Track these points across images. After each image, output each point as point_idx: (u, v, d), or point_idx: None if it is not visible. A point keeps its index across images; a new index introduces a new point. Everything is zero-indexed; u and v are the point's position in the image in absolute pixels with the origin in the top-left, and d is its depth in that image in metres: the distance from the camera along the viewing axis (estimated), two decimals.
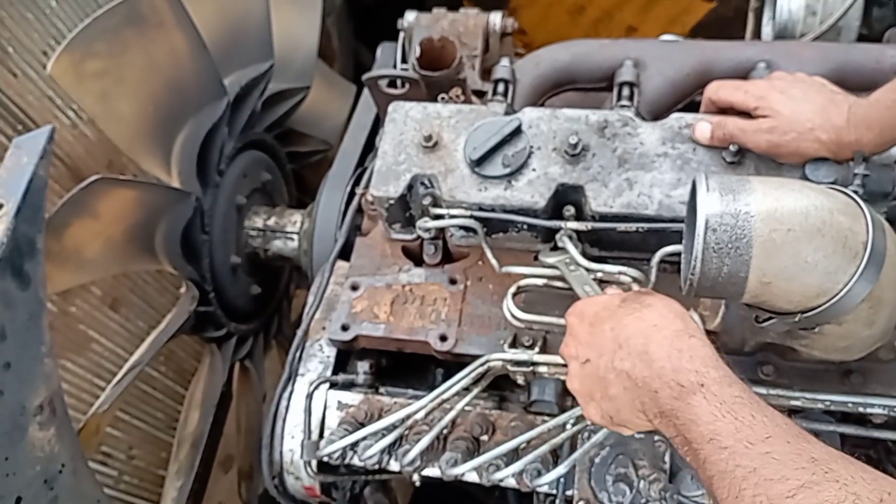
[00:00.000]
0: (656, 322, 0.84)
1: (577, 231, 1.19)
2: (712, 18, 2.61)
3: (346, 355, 1.38)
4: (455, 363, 1.23)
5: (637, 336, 0.83)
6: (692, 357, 0.78)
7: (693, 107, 1.36)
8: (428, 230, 1.26)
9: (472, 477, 1.18)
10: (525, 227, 1.22)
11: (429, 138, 1.24)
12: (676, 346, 0.80)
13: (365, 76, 1.47)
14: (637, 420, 0.84)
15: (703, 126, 1.19)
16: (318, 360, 1.37)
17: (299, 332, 1.37)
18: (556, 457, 1.16)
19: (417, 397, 1.19)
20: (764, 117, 1.11)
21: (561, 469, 1.10)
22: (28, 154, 1.05)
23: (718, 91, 1.20)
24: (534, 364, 1.13)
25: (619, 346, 0.85)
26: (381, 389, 1.35)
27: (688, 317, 0.85)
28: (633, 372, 0.82)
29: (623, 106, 1.31)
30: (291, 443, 1.32)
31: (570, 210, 1.21)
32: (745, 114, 1.15)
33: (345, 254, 1.43)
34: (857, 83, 1.14)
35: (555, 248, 1.21)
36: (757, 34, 1.75)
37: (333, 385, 1.33)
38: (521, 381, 1.17)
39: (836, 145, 1.06)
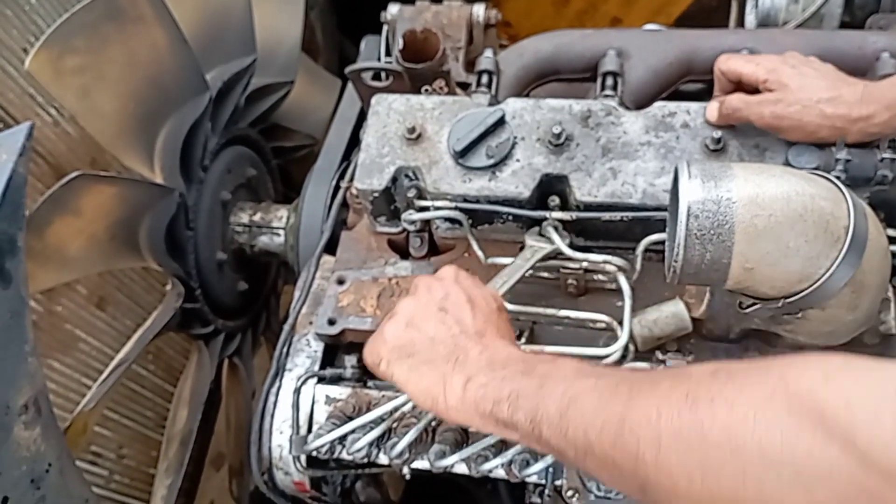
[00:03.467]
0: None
1: (561, 221, 1.19)
2: (696, 9, 2.61)
3: (333, 350, 1.38)
4: None
5: (500, 341, 0.89)
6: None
7: (677, 96, 1.37)
8: (413, 222, 1.26)
9: (461, 468, 1.18)
10: (510, 217, 1.21)
11: (412, 130, 1.24)
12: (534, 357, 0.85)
13: (348, 69, 1.46)
14: (430, 379, 0.86)
15: (712, 105, 1.19)
16: (305, 354, 1.37)
17: (286, 327, 1.37)
18: None
19: None
20: (771, 91, 1.11)
21: (549, 458, 1.10)
22: (7, 151, 1.03)
23: (728, 61, 1.18)
24: None
25: (478, 333, 0.89)
26: (370, 383, 1.34)
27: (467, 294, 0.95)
28: (483, 356, 0.85)
29: (607, 96, 1.31)
30: (280, 438, 1.32)
31: (554, 200, 1.21)
32: (752, 92, 1.14)
33: (331, 248, 1.43)
34: (840, 70, 1.14)
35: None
36: (740, 23, 1.75)
37: (321, 380, 1.32)
38: None
39: (843, 120, 1.05)
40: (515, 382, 0.78)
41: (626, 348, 1.07)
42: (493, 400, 0.78)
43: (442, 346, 0.88)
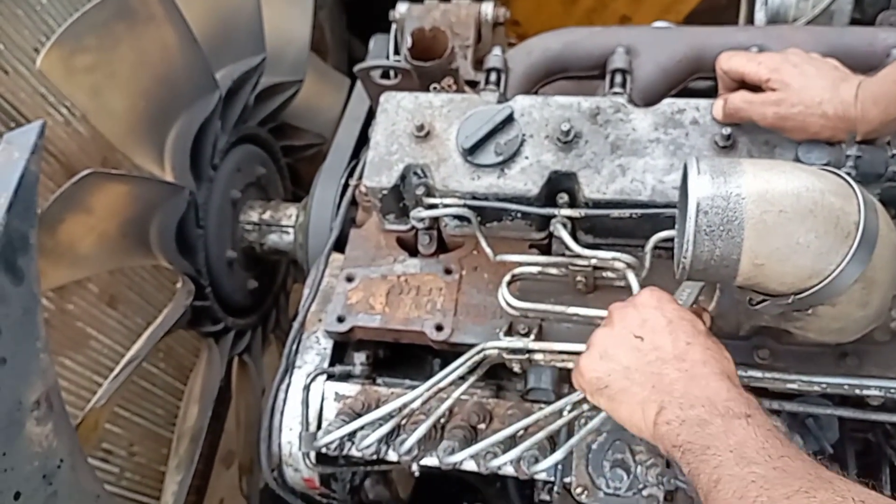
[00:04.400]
0: (727, 370, 0.85)
1: (570, 218, 1.19)
2: (705, 7, 2.60)
3: (342, 347, 1.38)
4: (451, 353, 1.24)
5: (703, 365, 0.85)
6: (749, 400, 0.80)
7: (685, 93, 1.36)
8: (422, 220, 1.26)
9: (470, 465, 1.18)
10: (519, 215, 1.22)
11: (421, 128, 1.24)
12: (742, 396, 0.81)
13: (357, 67, 1.46)
14: (631, 409, 0.86)
15: (717, 103, 1.19)
16: (314, 351, 1.37)
17: (295, 325, 1.38)
18: (553, 443, 1.17)
19: (414, 387, 1.19)
20: (773, 90, 1.11)
21: (558, 455, 1.10)
22: (19, 149, 1.04)
23: (730, 60, 1.18)
24: (530, 352, 1.14)
25: (682, 359, 0.86)
26: (378, 380, 1.35)
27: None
28: (677, 384, 0.83)
29: (616, 93, 1.31)
30: (290, 435, 1.32)
31: (563, 197, 1.21)
32: (755, 89, 1.14)
33: (340, 246, 1.43)
34: (850, 66, 1.14)
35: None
36: (750, 21, 1.75)
37: (330, 376, 1.33)
38: (517, 369, 1.17)
39: (842, 120, 1.06)
40: (690, 433, 0.78)
41: None
42: (671, 443, 0.80)
43: (637, 374, 0.87)
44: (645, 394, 0.85)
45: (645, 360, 0.87)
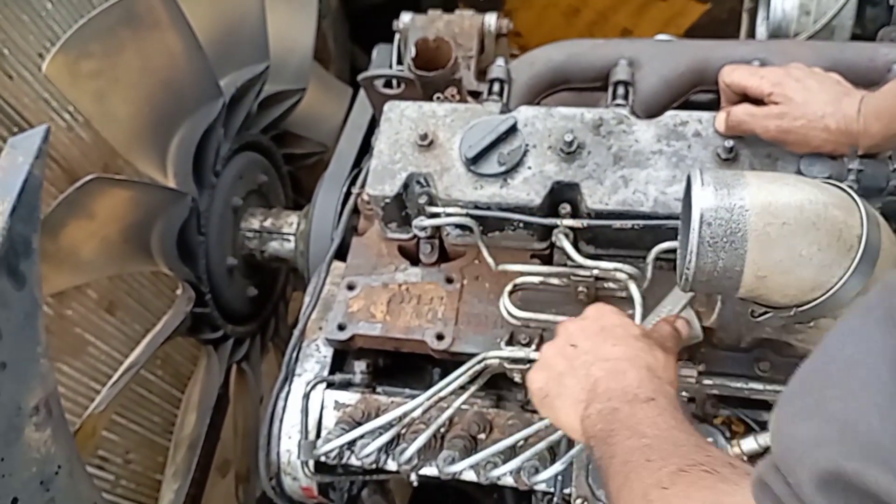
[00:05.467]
0: (650, 364, 0.88)
1: (572, 228, 1.19)
2: (707, 20, 2.63)
3: (342, 355, 1.38)
4: (452, 362, 1.23)
5: (626, 362, 0.88)
6: (659, 387, 0.84)
7: (688, 105, 1.37)
8: (424, 229, 1.26)
9: (470, 475, 1.18)
10: (521, 225, 1.22)
11: (424, 137, 1.24)
12: (652, 379, 0.85)
13: (361, 76, 1.47)
14: (564, 414, 0.89)
15: (720, 116, 1.20)
16: (314, 360, 1.37)
17: (296, 332, 1.37)
18: (553, 454, 1.16)
19: (414, 397, 1.19)
20: (776, 104, 1.11)
21: (558, 466, 1.10)
22: (23, 154, 1.04)
23: (732, 74, 1.19)
24: (531, 361, 1.13)
25: (606, 359, 0.90)
26: (379, 389, 1.35)
27: (676, 380, 0.92)
28: (601, 381, 0.87)
29: (618, 105, 1.32)
30: (288, 443, 1.32)
31: (565, 208, 1.21)
32: (758, 102, 1.15)
33: (341, 254, 1.43)
34: (851, 81, 1.14)
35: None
36: (751, 35, 1.76)
37: (330, 385, 1.33)
38: (518, 378, 1.17)
39: (844, 135, 1.06)
40: (602, 422, 0.81)
41: None
42: (588, 435, 0.83)
43: (570, 379, 0.90)
44: (575, 396, 0.88)
45: (575, 364, 0.91)
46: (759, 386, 1.09)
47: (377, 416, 1.23)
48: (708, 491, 0.64)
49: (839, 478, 0.47)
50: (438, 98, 1.40)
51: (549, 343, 0.98)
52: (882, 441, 0.46)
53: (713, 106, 1.27)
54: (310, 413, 1.30)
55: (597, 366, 0.89)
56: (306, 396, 1.30)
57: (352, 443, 1.20)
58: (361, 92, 1.68)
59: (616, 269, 1.14)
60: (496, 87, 1.37)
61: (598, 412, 0.83)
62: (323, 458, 1.24)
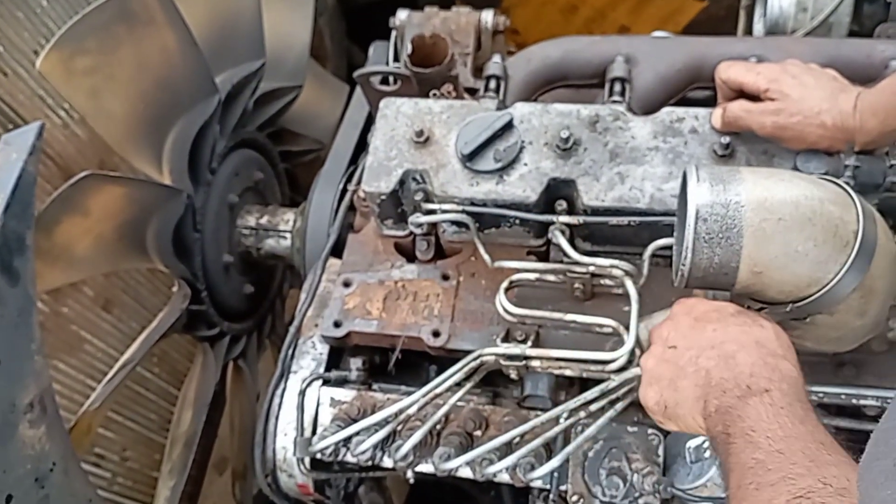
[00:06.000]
0: (759, 339, 0.83)
1: (568, 225, 1.19)
2: (704, 17, 2.62)
3: (338, 352, 1.38)
4: (448, 359, 1.23)
5: (732, 343, 0.83)
6: (774, 370, 0.79)
7: (684, 102, 1.37)
8: (420, 226, 1.26)
9: (466, 472, 1.18)
10: (517, 221, 1.22)
11: (420, 133, 1.24)
12: (766, 360, 0.80)
13: (357, 73, 1.46)
14: (691, 418, 0.84)
15: (716, 112, 1.19)
16: (310, 357, 1.37)
17: (292, 329, 1.37)
18: (549, 451, 1.16)
19: (410, 394, 1.19)
20: (772, 100, 1.11)
21: (554, 462, 1.10)
22: (17, 150, 1.04)
23: (728, 70, 1.18)
24: (527, 358, 1.13)
25: (711, 346, 0.84)
26: (374, 386, 1.35)
27: (792, 348, 0.85)
28: (713, 371, 0.81)
29: (615, 101, 1.31)
30: (284, 440, 1.32)
31: (562, 204, 1.21)
32: (754, 98, 1.15)
33: (337, 251, 1.43)
34: (848, 78, 1.14)
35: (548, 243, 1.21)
36: (748, 32, 1.75)
37: (326, 382, 1.33)
38: (514, 375, 1.17)
39: (840, 131, 1.06)
40: (721, 421, 0.77)
41: (632, 353, 1.07)
42: (711, 436, 0.79)
43: (682, 381, 0.85)
44: (694, 396, 0.83)
45: (682, 364, 0.86)
46: None
47: (373, 412, 1.23)
48: None
49: None
50: (435, 95, 1.39)
51: (647, 354, 0.93)
52: None
53: (710, 102, 1.26)
54: (306, 410, 1.30)
55: (704, 356, 0.84)
56: (302, 393, 1.30)
57: (348, 439, 1.20)
58: (358, 89, 1.67)
59: (612, 266, 1.14)
60: (493, 84, 1.37)
61: (716, 410, 0.78)
62: (319, 455, 1.24)
